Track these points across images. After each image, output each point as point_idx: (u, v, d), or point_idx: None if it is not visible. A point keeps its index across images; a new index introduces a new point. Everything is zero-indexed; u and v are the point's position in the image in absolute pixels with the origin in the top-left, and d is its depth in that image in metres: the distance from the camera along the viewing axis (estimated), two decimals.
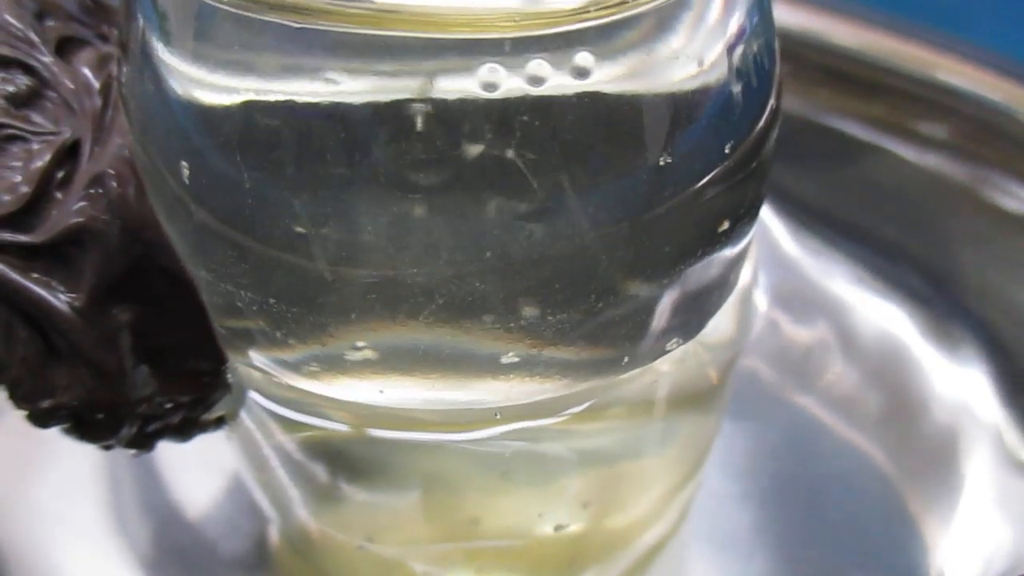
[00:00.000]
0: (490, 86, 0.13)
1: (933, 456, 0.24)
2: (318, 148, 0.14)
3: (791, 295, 0.26)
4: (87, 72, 0.17)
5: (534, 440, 0.18)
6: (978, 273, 0.26)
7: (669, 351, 0.18)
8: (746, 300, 0.20)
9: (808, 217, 0.27)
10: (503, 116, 0.13)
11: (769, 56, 0.17)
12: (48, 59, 0.17)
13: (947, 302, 0.26)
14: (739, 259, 0.19)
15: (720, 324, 0.19)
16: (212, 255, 0.15)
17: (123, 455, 0.26)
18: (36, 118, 0.17)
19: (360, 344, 0.15)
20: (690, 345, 0.19)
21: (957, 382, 0.24)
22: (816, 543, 0.24)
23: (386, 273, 0.14)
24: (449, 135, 0.13)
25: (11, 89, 0.17)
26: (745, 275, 0.20)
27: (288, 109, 0.14)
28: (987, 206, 0.27)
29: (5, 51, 0.18)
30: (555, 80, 0.13)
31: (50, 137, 0.17)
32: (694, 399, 0.21)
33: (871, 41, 0.28)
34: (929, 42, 0.27)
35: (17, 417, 0.27)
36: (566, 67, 0.13)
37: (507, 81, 0.13)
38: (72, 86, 0.17)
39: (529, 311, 0.15)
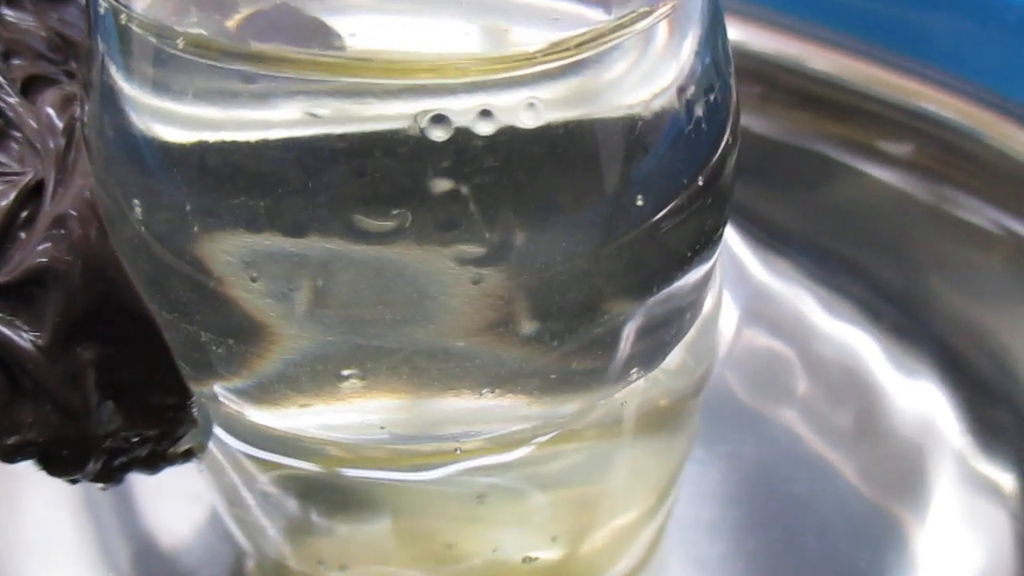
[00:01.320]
0: (443, 128, 0.13)
1: (900, 476, 0.24)
2: (268, 188, 0.14)
3: (758, 318, 0.27)
4: (51, 112, 0.17)
5: (499, 474, 0.19)
6: (942, 294, 0.26)
7: (632, 381, 0.18)
8: (710, 327, 0.20)
9: (775, 239, 0.27)
10: (456, 157, 0.14)
11: (723, 93, 0.17)
12: (13, 99, 0.18)
13: (912, 322, 0.26)
14: (700, 288, 0.19)
15: (684, 352, 0.19)
16: (170, 295, 0.15)
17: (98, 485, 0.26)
18: (0, 158, 0.17)
19: (316, 382, 0.15)
20: (656, 373, 0.19)
21: (919, 401, 0.25)
22: (788, 568, 0.24)
23: (339, 312, 0.14)
24: (403, 177, 0.14)
25: None
26: (708, 303, 0.20)
27: (240, 150, 0.14)
28: (952, 226, 0.27)
29: None
30: (506, 120, 0.14)
31: (14, 177, 0.17)
32: (658, 427, 0.21)
33: (843, 66, 0.29)
34: (899, 67, 0.28)
35: None
36: (519, 109, 0.14)
37: (460, 120, 0.13)
38: (36, 126, 0.17)
39: (488, 350, 0.15)
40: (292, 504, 0.20)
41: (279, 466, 0.18)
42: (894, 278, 0.26)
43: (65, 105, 0.17)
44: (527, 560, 0.20)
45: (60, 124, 0.17)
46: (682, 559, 0.24)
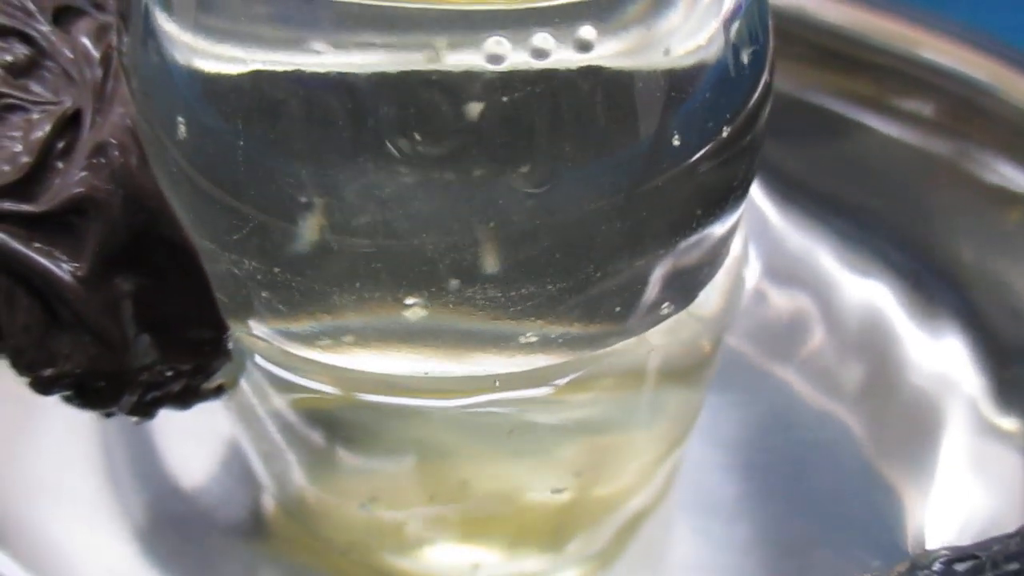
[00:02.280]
0: (495, 58, 0.13)
1: (912, 424, 0.25)
2: (322, 118, 0.14)
3: (777, 269, 0.27)
4: (86, 42, 0.17)
5: (525, 408, 0.19)
6: (958, 246, 0.26)
7: (662, 319, 0.19)
8: (736, 273, 0.21)
9: (794, 192, 0.28)
10: (507, 88, 0.14)
11: (763, 31, 0.17)
12: (46, 28, 0.17)
13: (928, 274, 0.26)
14: (731, 233, 0.19)
15: (711, 296, 0.20)
16: (215, 225, 0.15)
17: (115, 425, 0.26)
18: (35, 88, 0.17)
19: (362, 315, 0.15)
20: (682, 316, 0.19)
21: (936, 353, 0.25)
22: (798, 510, 0.25)
23: (389, 242, 0.14)
24: (453, 106, 0.14)
25: (9, 59, 0.17)
26: (736, 248, 0.20)
27: (292, 80, 0.14)
28: (969, 181, 0.27)
29: (2, 20, 0.18)
30: (558, 54, 0.14)
31: (50, 107, 0.17)
32: (685, 370, 0.21)
33: (857, 19, 0.29)
34: (913, 20, 0.28)
35: (10, 385, 0.27)
36: (569, 41, 0.14)
37: (512, 54, 0.13)
38: (71, 56, 0.17)
39: (529, 280, 0.15)
40: (317, 435, 0.20)
41: (308, 396, 0.19)
42: (909, 229, 0.27)
43: (100, 35, 0.17)
44: (555, 491, 0.20)
45: (96, 54, 0.17)
46: (695, 497, 0.25)
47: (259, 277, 0.16)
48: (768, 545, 0.24)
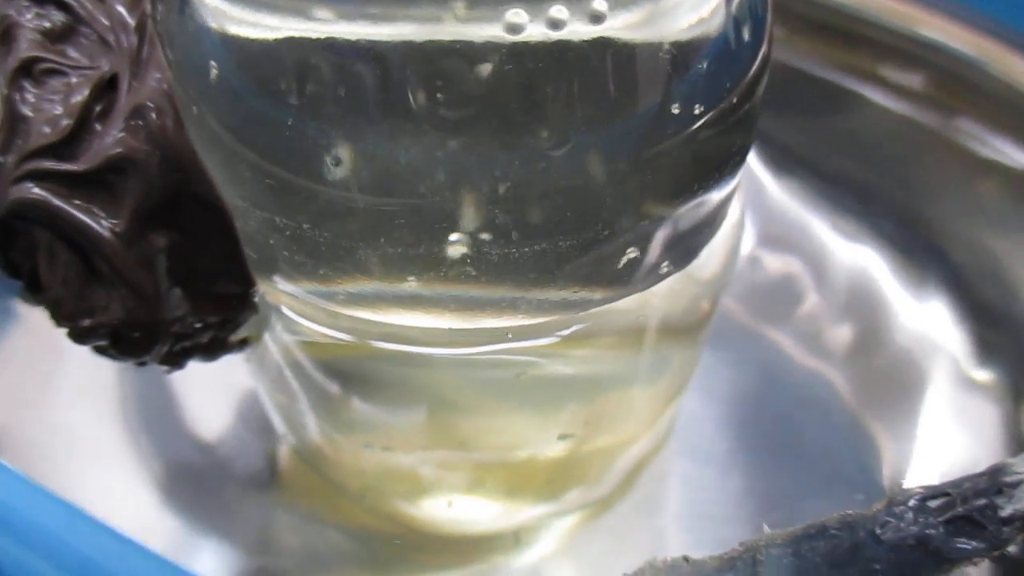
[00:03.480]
0: (514, 28, 0.14)
1: (896, 381, 0.26)
2: (350, 83, 0.15)
3: (771, 235, 0.28)
4: (121, 10, 0.18)
5: (530, 357, 0.20)
6: (947, 215, 0.28)
7: (662, 278, 0.20)
8: (734, 236, 0.22)
9: (789, 162, 0.29)
10: (525, 57, 0.15)
11: (763, 4, 0.18)
12: None
13: (917, 241, 0.27)
14: (728, 198, 0.20)
15: (711, 259, 0.21)
16: (246, 183, 0.16)
17: (133, 377, 0.27)
18: (72, 53, 0.18)
19: (389, 272, 0.16)
20: (683, 276, 0.20)
21: (920, 314, 0.26)
22: (788, 461, 0.26)
23: (414, 201, 0.15)
24: (473, 73, 0.15)
25: (47, 25, 0.18)
26: (734, 214, 0.21)
27: (322, 46, 0.15)
28: (956, 153, 0.28)
29: None
30: (573, 25, 0.15)
31: (87, 71, 0.18)
32: (685, 327, 0.22)
33: None
34: None
35: (29, 340, 0.28)
36: (583, 13, 0.15)
37: (530, 25, 0.14)
38: (107, 23, 0.18)
39: (541, 238, 0.16)
40: (335, 386, 0.21)
41: (327, 343, 0.19)
42: (900, 201, 0.28)
43: (135, 3, 0.18)
44: (562, 437, 0.21)
45: (132, 22, 0.18)
46: (692, 448, 0.26)
47: (287, 234, 0.17)
48: (759, 495, 0.26)
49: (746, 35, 0.18)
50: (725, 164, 0.19)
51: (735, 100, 0.18)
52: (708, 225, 0.20)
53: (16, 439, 0.26)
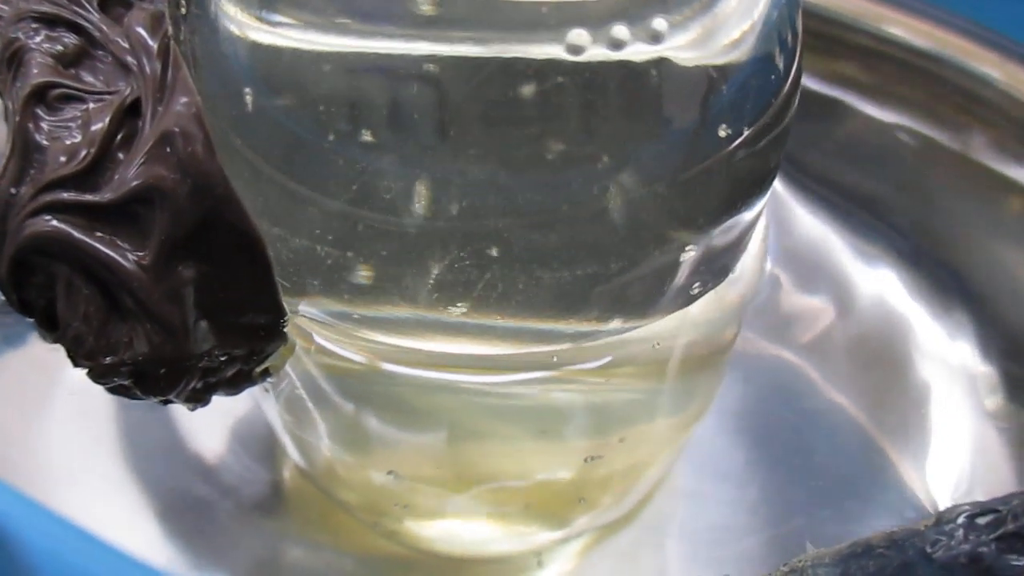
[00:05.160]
0: (575, 49, 0.14)
1: (909, 397, 0.26)
2: (405, 107, 0.14)
3: (782, 248, 0.28)
4: (142, 31, 0.17)
5: (578, 381, 0.19)
6: (959, 232, 0.28)
7: (693, 299, 0.19)
8: (761, 252, 0.22)
9: (799, 175, 0.29)
10: (588, 78, 0.14)
11: (796, 17, 0.18)
12: (95, 17, 0.17)
13: (926, 253, 0.28)
14: (758, 216, 0.20)
15: (740, 275, 0.21)
16: (286, 212, 0.16)
17: (133, 406, 0.26)
18: (87, 77, 0.17)
19: (436, 299, 0.16)
20: (712, 295, 0.20)
21: (937, 332, 0.26)
22: (800, 476, 0.26)
23: (469, 225, 0.15)
24: (534, 96, 0.14)
25: (59, 48, 0.17)
26: (759, 232, 0.21)
27: (375, 69, 0.14)
28: (970, 168, 0.28)
29: (48, 9, 0.18)
30: (633, 45, 0.14)
31: (105, 96, 0.17)
32: (710, 355, 0.22)
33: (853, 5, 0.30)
34: (914, 10, 0.29)
35: (27, 367, 0.27)
36: (643, 33, 0.14)
37: (591, 46, 0.14)
38: (125, 45, 0.17)
39: (593, 260, 0.16)
40: (365, 414, 0.20)
41: (359, 373, 0.19)
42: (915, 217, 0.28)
43: (155, 25, 0.17)
44: (588, 459, 0.21)
45: (154, 44, 0.17)
46: (709, 462, 0.26)
47: (329, 263, 0.16)
48: (772, 510, 0.26)
49: (784, 51, 0.17)
50: (764, 180, 0.18)
51: (775, 116, 0.18)
52: (739, 243, 0.20)
53: (12, 468, 0.25)
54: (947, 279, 0.27)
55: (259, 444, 0.27)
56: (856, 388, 0.26)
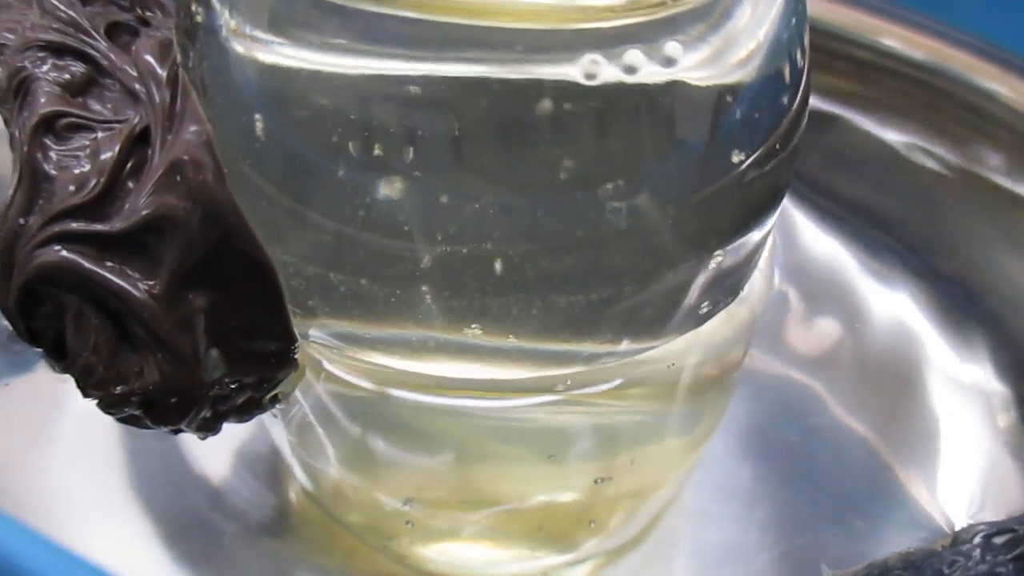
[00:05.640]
0: (590, 76, 0.14)
1: (919, 417, 0.26)
2: (418, 135, 0.14)
3: (787, 262, 0.28)
4: (150, 59, 0.17)
5: (587, 404, 0.19)
6: (971, 248, 0.28)
7: (703, 320, 0.19)
8: (768, 269, 0.21)
9: (805, 189, 0.29)
10: (600, 102, 0.14)
11: (804, 35, 0.18)
12: (103, 45, 0.17)
13: (936, 269, 0.28)
14: (768, 234, 0.20)
15: (750, 293, 0.20)
16: (297, 240, 0.16)
17: (136, 430, 0.26)
18: (95, 106, 0.17)
19: (450, 323, 0.16)
20: (723, 314, 0.20)
21: (950, 352, 0.26)
22: (813, 493, 0.26)
23: (484, 249, 0.15)
24: (549, 121, 0.14)
25: (66, 77, 0.17)
26: (766, 251, 0.21)
27: (388, 94, 0.14)
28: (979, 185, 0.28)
29: (55, 37, 0.18)
30: (647, 69, 0.14)
31: (114, 125, 0.17)
32: (719, 376, 0.22)
33: (856, 20, 0.30)
34: (917, 24, 0.29)
35: (29, 392, 0.26)
36: (657, 56, 0.14)
37: (605, 70, 0.14)
38: (133, 73, 0.17)
39: (607, 283, 0.16)
40: (376, 440, 0.20)
41: (370, 399, 0.19)
42: (919, 228, 0.28)
43: (164, 53, 0.17)
44: (599, 481, 0.21)
45: (162, 72, 0.17)
46: (717, 482, 0.26)
47: (342, 289, 0.16)
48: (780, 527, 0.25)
49: (793, 68, 0.17)
50: (775, 198, 0.18)
51: (786, 133, 0.18)
52: (749, 261, 0.20)
53: (16, 494, 0.25)
54: (957, 295, 0.27)
55: (265, 467, 0.27)
56: (866, 405, 0.26)
